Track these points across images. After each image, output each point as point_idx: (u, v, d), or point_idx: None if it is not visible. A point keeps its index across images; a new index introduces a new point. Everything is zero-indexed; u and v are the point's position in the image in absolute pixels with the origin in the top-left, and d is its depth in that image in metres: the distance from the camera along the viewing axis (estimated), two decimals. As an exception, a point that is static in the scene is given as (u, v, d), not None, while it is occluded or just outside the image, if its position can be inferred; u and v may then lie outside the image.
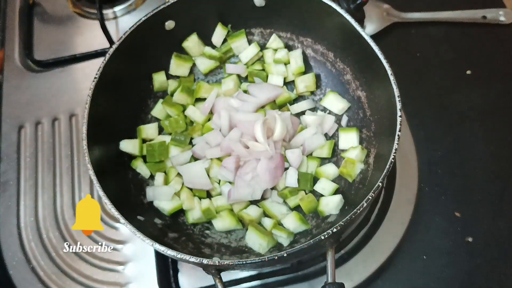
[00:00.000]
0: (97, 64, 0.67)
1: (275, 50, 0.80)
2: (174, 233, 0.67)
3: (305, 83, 0.78)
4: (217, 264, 0.53)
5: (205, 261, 0.53)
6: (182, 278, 0.72)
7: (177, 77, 0.81)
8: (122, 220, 0.56)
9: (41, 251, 0.75)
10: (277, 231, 0.66)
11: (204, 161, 0.73)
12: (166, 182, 0.72)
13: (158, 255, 0.73)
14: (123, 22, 0.99)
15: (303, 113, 0.78)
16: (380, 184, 0.55)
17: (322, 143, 0.73)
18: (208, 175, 0.72)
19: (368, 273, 0.70)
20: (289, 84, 0.81)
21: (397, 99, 0.60)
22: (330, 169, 0.71)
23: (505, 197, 0.77)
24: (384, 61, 0.62)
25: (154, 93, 0.79)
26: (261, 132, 0.68)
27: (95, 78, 0.66)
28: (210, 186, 0.71)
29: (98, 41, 0.93)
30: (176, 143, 0.74)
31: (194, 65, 0.82)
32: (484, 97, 0.86)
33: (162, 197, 0.69)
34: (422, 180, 0.78)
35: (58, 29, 1.00)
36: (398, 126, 0.58)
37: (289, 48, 0.81)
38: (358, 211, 0.54)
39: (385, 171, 0.56)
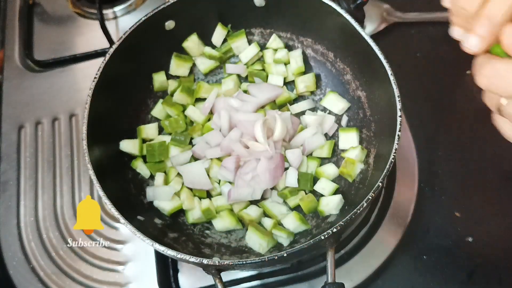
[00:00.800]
0: (97, 64, 0.67)
1: (275, 50, 0.80)
2: (174, 233, 0.67)
3: (305, 83, 0.78)
4: (217, 264, 0.53)
5: (205, 261, 0.53)
6: (182, 278, 0.72)
7: (177, 77, 0.81)
8: (122, 220, 0.56)
9: (41, 251, 0.75)
10: (277, 231, 0.66)
11: (204, 161, 0.73)
12: (166, 182, 0.72)
13: (158, 255, 0.73)
14: (123, 22, 0.99)
15: (303, 113, 0.78)
16: (380, 184, 0.56)
17: (322, 143, 0.73)
18: (208, 175, 0.72)
19: (368, 273, 0.70)
20: (289, 84, 0.81)
21: (397, 99, 0.60)
22: (330, 169, 0.71)
23: (505, 197, 0.77)
24: (384, 61, 0.62)
25: (154, 93, 0.79)
26: (261, 132, 0.68)
27: (95, 78, 0.66)
28: (210, 186, 0.71)
29: (98, 41, 0.93)
30: (176, 143, 0.74)
31: (194, 65, 0.82)
32: (484, 97, 0.85)
33: (162, 197, 0.69)
34: (422, 180, 0.78)
35: (58, 29, 1.00)
36: (398, 126, 0.58)
37: (289, 48, 0.81)
38: (358, 211, 0.54)
39: (385, 171, 0.56)
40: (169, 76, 0.80)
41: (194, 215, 0.70)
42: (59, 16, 1.01)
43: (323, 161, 0.74)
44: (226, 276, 0.69)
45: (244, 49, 0.80)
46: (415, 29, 0.94)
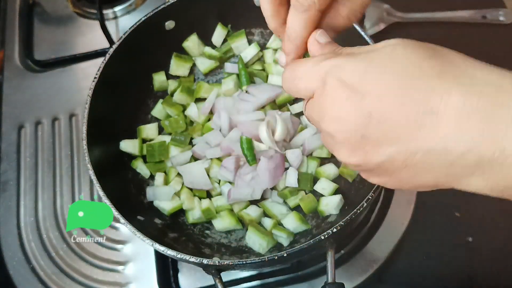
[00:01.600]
0: (97, 64, 0.67)
1: (275, 50, 0.80)
2: (174, 233, 0.67)
3: (305, 83, 0.78)
4: (217, 264, 0.54)
5: (205, 261, 0.53)
6: (182, 278, 0.72)
7: (177, 77, 0.81)
8: (122, 220, 0.56)
9: (41, 251, 0.75)
10: (277, 231, 0.66)
11: (204, 161, 0.73)
12: (166, 182, 0.72)
13: (158, 255, 0.73)
14: (123, 22, 0.99)
15: (303, 113, 0.78)
16: (380, 184, 0.55)
17: (322, 143, 0.73)
18: (208, 175, 0.72)
19: (368, 273, 0.70)
20: (289, 84, 0.81)
21: (397, 99, 0.60)
22: (330, 169, 0.71)
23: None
24: (384, 61, 0.62)
25: (154, 93, 0.79)
26: (267, 134, 0.68)
27: (95, 78, 0.66)
28: (210, 186, 0.71)
29: (98, 41, 0.93)
30: (176, 143, 0.74)
31: (194, 65, 0.82)
32: (484, 97, 0.85)
33: (162, 197, 0.69)
34: (422, 180, 0.78)
35: (58, 29, 1.00)
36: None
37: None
38: (358, 211, 0.54)
39: (385, 171, 0.56)
40: (169, 76, 0.80)
41: (194, 215, 0.70)
42: (59, 16, 1.01)
43: (323, 161, 0.74)
44: (226, 276, 0.69)
45: (244, 49, 0.80)
46: (415, 29, 0.94)
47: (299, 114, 0.78)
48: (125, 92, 0.73)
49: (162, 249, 0.54)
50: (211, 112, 0.77)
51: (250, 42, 0.81)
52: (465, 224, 0.75)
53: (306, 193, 0.71)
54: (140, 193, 0.71)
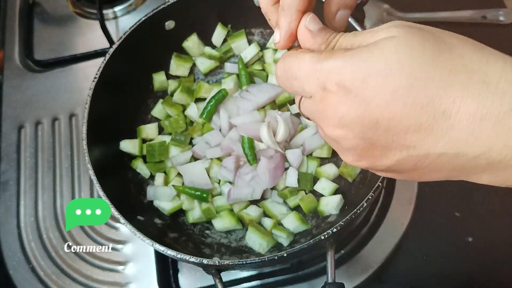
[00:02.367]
0: (97, 64, 0.67)
1: (275, 50, 0.80)
2: (174, 233, 0.67)
3: (305, 83, 0.78)
4: (217, 264, 0.54)
5: (205, 261, 0.53)
6: (182, 278, 0.72)
7: (177, 77, 0.81)
8: (122, 220, 0.56)
9: (41, 251, 0.75)
10: (277, 231, 0.66)
11: (204, 161, 0.73)
12: (166, 182, 0.72)
13: (158, 255, 0.73)
14: (123, 22, 0.99)
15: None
16: (380, 184, 0.56)
17: (322, 143, 0.73)
18: (208, 175, 0.72)
19: (368, 273, 0.70)
20: (289, 84, 0.81)
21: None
22: (330, 169, 0.71)
23: (505, 197, 0.77)
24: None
25: (154, 93, 0.79)
26: (268, 135, 0.68)
27: (95, 78, 0.66)
28: (210, 186, 0.71)
29: (98, 41, 0.93)
30: (176, 143, 0.74)
31: (194, 65, 0.82)
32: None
33: (163, 197, 0.69)
34: (422, 180, 0.77)
35: (58, 29, 1.00)
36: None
37: (289, 48, 0.81)
38: (358, 211, 0.54)
39: (385, 171, 0.56)
40: (169, 76, 0.80)
41: (194, 215, 0.70)
42: (59, 16, 1.01)
43: (323, 161, 0.74)
44: (226, 276, 0.69)
45: (244, 49, 0.80)
46: (415, 29, 0.94)
47: (299, 114, 0.78)
48: (125, 92, 0.73)
49: (162, 249, 0.54)
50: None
51: (250, 42, 0.81)
52: (465, 224, 0.75)
53: (306, 193, 0.71)
54: (140, 193, 0.71)
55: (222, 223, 0.69)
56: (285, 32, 0.41)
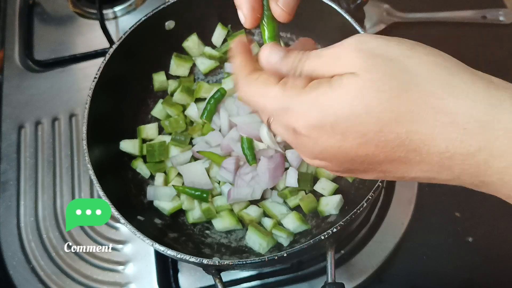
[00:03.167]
0: (97, 64, 0.67)
1: (275, 50, 0.80)
2: (174, 233, 0.67)
3: (305, 83, 0.78)
4: (217, 264, 0.54)
5: (205, 261, 0.53)
6: (182, 278, 0.72)
7: (177, 77, 0.81)
8: (122, 220, 0.56)
9: (41, 251, 0.75)
10: (277, 231, 0.66)
11: (204, 161, 0.73)
12: (166, 182, 0.72)
13: (158, 255, 0.73)
14: (123, 22, 0.99)
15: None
16: (380, 184, 0.56)
17: (322, 143, 0.73)
18: (208, 175, 0.72)
19: (368, 273, 0.70)
20: (289, 84, 0.81)
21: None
22: (330, 169, 0.71)
23: (505, 197, 0.77)
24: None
25: (154, 93, 0.79)
26: (268, 135, 0.68)
27: (95, 78, 0.66)
28: (210, 186, 0.71)
29: (98, 41, 0.93)
30: (176, 143, 0.74)
31: (194, 65, 0.82)
32: (484, 97, 0.85)
33: (163, 197, 0.69)
34: (422, 180, 0.77)
35: (58, 29, 1.00)
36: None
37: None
38: (358, 211, 0.54)
39: (385, 171, 0.56)
40: (169, 76, 0.80)
41: (194, 215, 0.70)
42: (59, 16, 1.01)
43: (323, 161, 0.74)
44: (226, 276, 0.69)
45: (244, 49, 0.80)
46: (415, 29, 0.94)
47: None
48: (125, 92, 0.73)
49: (162, 249, 0.54)
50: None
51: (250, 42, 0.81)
52: (465, 224, 0.75)
53: (306, 193, 0.71)
54: (140, 193, 0.71)
55: (222, 223, 0.69)
56: (246, 9, 0.40)
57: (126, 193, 0.69)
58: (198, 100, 0.79)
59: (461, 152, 0.30)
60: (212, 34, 0.80)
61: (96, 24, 0.96)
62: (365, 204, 0.54)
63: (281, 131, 0.38)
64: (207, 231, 0.70)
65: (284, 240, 0.66)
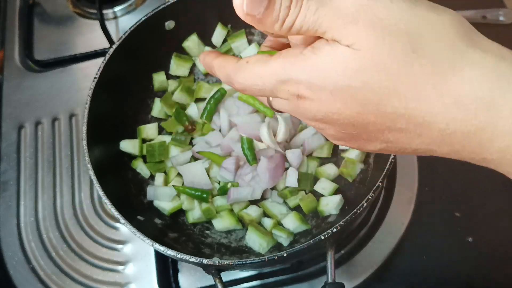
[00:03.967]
0: (97, 64, 0.67)
1: (275, 50, 0.80)
2: (174, 233, 0.67)
3: (305, 83, 0.78)
4: (217, 264, 0.54)
5: (205, 261, 0.53)
6: (182, 278, 0.72)
7: (177, 77, 0.81)
8: (122, 220, 0.56)
9: (41, 251, 0.75)
10: (277, 231, 0.66)
11: (204, 161, 0.73)
12: (166, 182, 0.72)
13: (158, 255, 0.73)
14: (123, 22, 0.99)
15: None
16: (380, 184, 0.56)
17: (322, 143, 0.73)
18: (208, 175, 0.72)
19: (368, 273, 0.70)
20: (289, 84, 0.81)
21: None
22: (330, 169, 0.71)
23: (505, 197, 0.77)
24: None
25: (154, 93, 0.79)
26: (268, 135, 0.68)
27: (95, 78, 0.66)
28: (210, 186, 0.71)
29: (98, 41, 0.93)
30: (176, 143, 0.74)
31: (194, 65, 0.82)
32: (484, 97, 0.85)
33: (163, 197, 0.69)
34: (422, 180, 0.78)
35: (58, 29, 1.00)
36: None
37: (289, 48, 0.81)
38: (358, 211, 0.54)
39: (385, 171, 0.56)
40: (169, 76, 0.80)
41: (194, 215, 0.70)
42: (59, 16, 1.01)
43: (323, 161, 0.74)
44: (226, 276, 0.69)
45: (244, 49, 0.80)
46: (415, 29, 0.94)
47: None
48: (125, 92, 0.73)
49: (162, 249, 0.54)
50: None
51: (250, 42, 0.81)
52: (465, 224, 0.75)
53: (306, 193, 0.71)
54: (140, 193, 0.71)
55: (222, 223, 0.69)
56: None
57: (126, 193, 0.69)
58: (198, 100, 0.79)
59: (463, 130, 0.30)
60: (212, 34, 0.80)
61: (96, 24, 0.96)
62: (365, 204, 0.54)
63: (283, 105, 0.38)
64: (207, 231, 0.70)
65: (284, 240, 0.66)
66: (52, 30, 1.00)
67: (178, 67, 0.79)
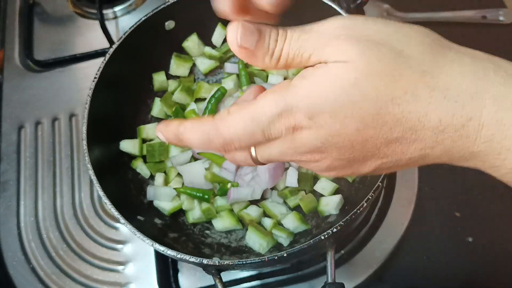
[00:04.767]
0: (97, 64, 0.67)
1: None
2: (174, 233, 0.67)
3: (305, 83, 0.78)
4: (217, 264, 0.53)
5: (205, 261, 0.53)
6: (182, 278, 0.72)
7: (177, 77, 0.81)
8: (122, 220, 0.56)
9: (41, 251, 0.75)
10: (277, 231, 0.66)
11: (204, 161, 0.73)
12: (166, 182, 0.72)
13: (158, 255, 0.73)
14: (123, 22, 0.99)
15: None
16: (380, 184, 0.55)
17: (322, 143, 0.73)
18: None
19: (368, 273, 0.70)
20: (289, 84, 0.81)
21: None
22: (330, 169, 0.71)
23: (505, 197, 0.77)
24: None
25: (154, 93, 0.79)
26: None
27: (95, 78, 0.66)
28: (210, 186, 0.71)
29: (98, 41, 0.93)
30: (176, 143, 0.74)
31: (194, 65, 0.82)
32: (484, 97, 0.85)
33: (163, 197, 0.69)
34: (422, 180, 0.78)
35: (58, 29, 1.00)
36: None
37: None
38: (358, 211, 0.54)
39: (385, 171, 0.56)
40: (169, 76, 0.80)
41: (194, 215, 0.70)
42: (59, 16, 1.01)
43: (323, 161, 0.74)
44: (226, 276, 0.69)
45: (244, 49, 0.80)
46: (415, 29, 0.94)
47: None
48: (125, 92, 0.73)
49: (162, 249, 0.54)
50: (211, 112, 0.77)
51: (250, 42, 0.81)
52: (465, 224, 0.75)
53: (306, 193, 0.71)
54: (140, 193, 0.71)
55: (222, 223, 0.69)
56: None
57: (126, 193, 0.69)
58: (198, 100, 0.79)
59: (454, 123, 0.32)
60: (212, 34, 0.80)
61: (96, 24, 0.96)
62: (365, 204, 0.54)
63: (275, 146, 0.37)
64: (207, 231, 0.70)
65: (284, 240, 0.66)
66: (52, 30, 1.00)
67: (178, 67, 0.79)
